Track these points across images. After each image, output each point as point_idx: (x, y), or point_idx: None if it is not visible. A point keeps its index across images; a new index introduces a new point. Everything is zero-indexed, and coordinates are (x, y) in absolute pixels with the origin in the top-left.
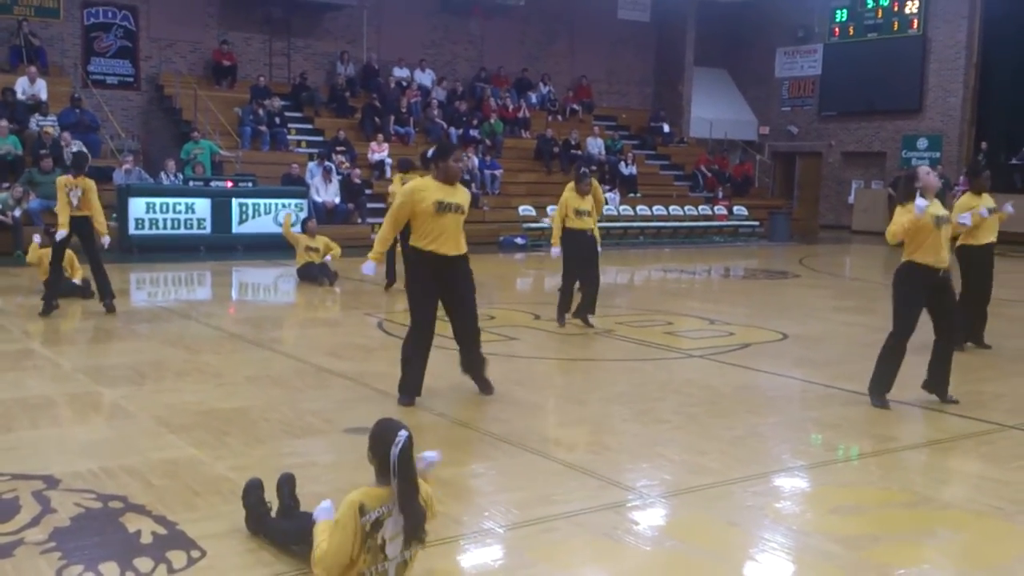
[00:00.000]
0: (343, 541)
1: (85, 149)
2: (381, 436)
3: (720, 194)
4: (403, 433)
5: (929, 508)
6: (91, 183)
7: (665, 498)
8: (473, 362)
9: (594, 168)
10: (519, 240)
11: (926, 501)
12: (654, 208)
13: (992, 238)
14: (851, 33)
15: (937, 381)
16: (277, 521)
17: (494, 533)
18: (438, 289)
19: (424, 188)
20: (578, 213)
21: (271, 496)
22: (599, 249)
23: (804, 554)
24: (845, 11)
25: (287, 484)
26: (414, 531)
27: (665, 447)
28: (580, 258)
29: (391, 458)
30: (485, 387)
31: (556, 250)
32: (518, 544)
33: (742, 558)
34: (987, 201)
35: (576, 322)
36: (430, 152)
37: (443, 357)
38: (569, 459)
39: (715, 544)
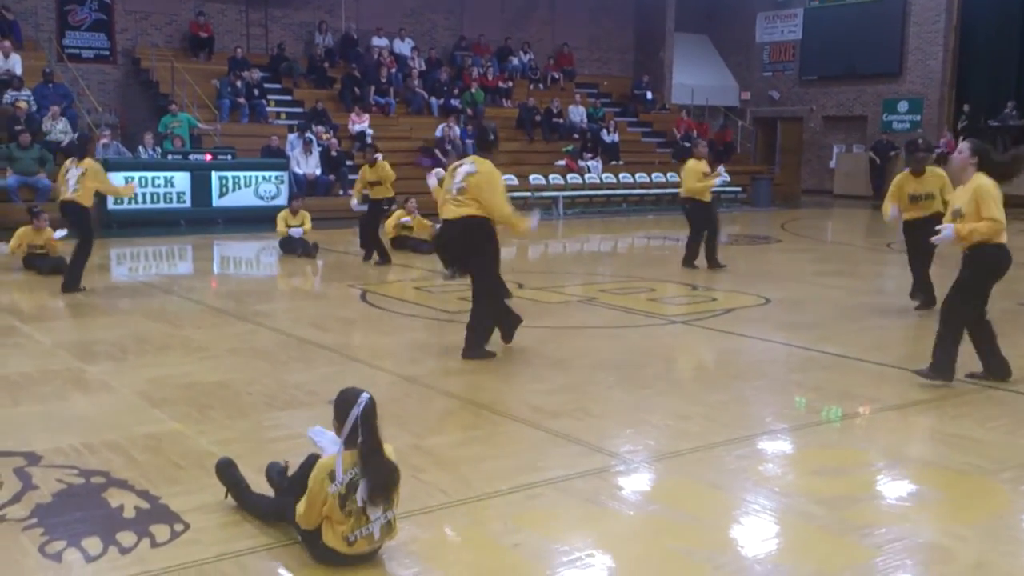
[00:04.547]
0: (311, 505)
1: (68, 124)
2: (344, 400)
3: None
4: (364, 395)
5: (910, 468)
6: (93, 164)
7: (649, 463)
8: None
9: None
10: None
11: (907, 461)
12: (637, 176)
13: (919, 213)
14: None
15: None
16: (259, 496)
17: (479, 501)
18: None
19: None
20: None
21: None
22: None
23: (787, 515)
24: None
25: (273, 471)
26: (379, 490)
27: (649, 412)
28: None
29: (352, 418)
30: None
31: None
32: (503, 511)
33: (726, 520)
34: (927, 184)
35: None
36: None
37: (425, 327)
38: (553, 426)
39: (699, 507)
